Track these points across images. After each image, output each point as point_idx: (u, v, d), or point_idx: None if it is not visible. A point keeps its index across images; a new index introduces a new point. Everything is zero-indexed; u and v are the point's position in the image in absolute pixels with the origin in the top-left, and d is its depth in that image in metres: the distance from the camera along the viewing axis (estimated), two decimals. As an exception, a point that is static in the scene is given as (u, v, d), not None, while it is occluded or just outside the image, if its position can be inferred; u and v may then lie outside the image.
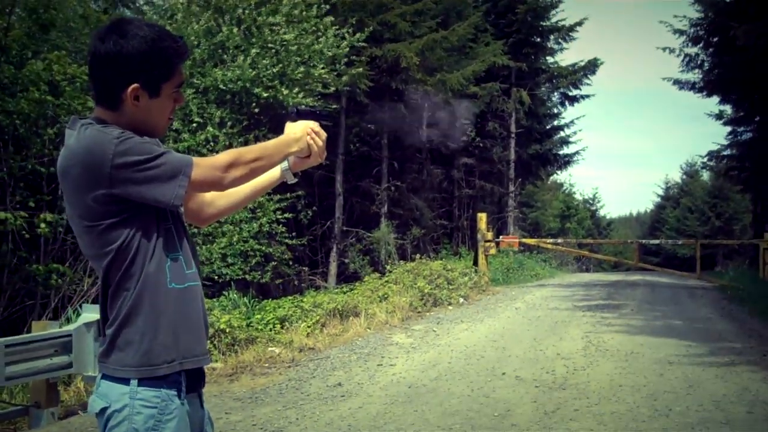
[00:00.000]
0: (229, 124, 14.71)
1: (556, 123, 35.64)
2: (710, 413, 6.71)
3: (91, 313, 6.33)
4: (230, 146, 14.69)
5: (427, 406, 7.08)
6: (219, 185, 2.33)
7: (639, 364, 9.00)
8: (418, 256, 18.70)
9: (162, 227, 2.30)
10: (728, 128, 30.21)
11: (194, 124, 14.03)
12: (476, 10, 26.33)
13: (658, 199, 66.14)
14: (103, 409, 2.26)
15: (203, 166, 2.26)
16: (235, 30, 15.13)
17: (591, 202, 60.46)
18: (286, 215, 15.68)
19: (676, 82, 28.55)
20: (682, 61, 27.34)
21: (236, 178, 2.32)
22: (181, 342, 2.29)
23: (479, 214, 21.86)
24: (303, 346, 10.22)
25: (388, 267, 17.97)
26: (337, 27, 16.34)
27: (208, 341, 2.40)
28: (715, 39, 25.92)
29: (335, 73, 16.63)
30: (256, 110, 15.18)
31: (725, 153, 31.47)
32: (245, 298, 12.71)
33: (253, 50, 14.82)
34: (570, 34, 31.57)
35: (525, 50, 30.19)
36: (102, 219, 2.23)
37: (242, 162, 2.31)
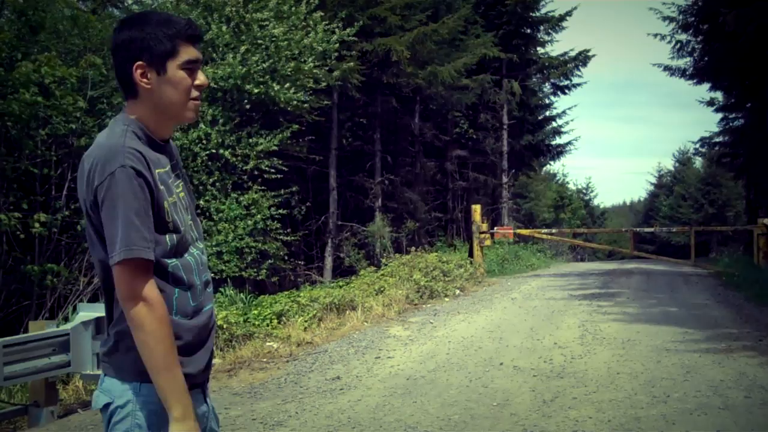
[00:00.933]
0: (221, 121, 14.71)
1: (548, 113, 35.74)
2: (708, 399, 6.73)
3: (88, 312, 6.33)
4: (222, 143, 14.69)
5: (425, 398, 7.09)
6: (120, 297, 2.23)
7: (636, 352, 9.02)
8: (413, 249, 18.74)
9: (169, 263, 2.31)
10: (720, 115, 30.31)
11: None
12: (466, 2, 26.30)
13: (652, 188, 66.44)
14: (107, 405, 2.28)
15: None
16: (224, 28, 15.11)
17: (584, 191, 60.60)
18: (280, 211, 15.68)
19: (667, 68, 28.59)
20: (673, 47, 27.39)
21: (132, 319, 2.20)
22: (188, 365, 2.32)
23: (473, 206, 21.90)
24: (300, 340, 10.22)
25: (383, 260, 17.98)
26: (326, 22, 16.32)
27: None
28: (705, 26, 25.93)
29: (326, 68, 16.62)
30: (248, 107, 15.17)
31: (717, 140, 31.57)
32: (242, 295, 12.72)
33: (243, 47, 14.81)
34: (560, 24, 31.59)
35: (515, 41, 30.18)
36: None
37: (160, 344, 2.18)
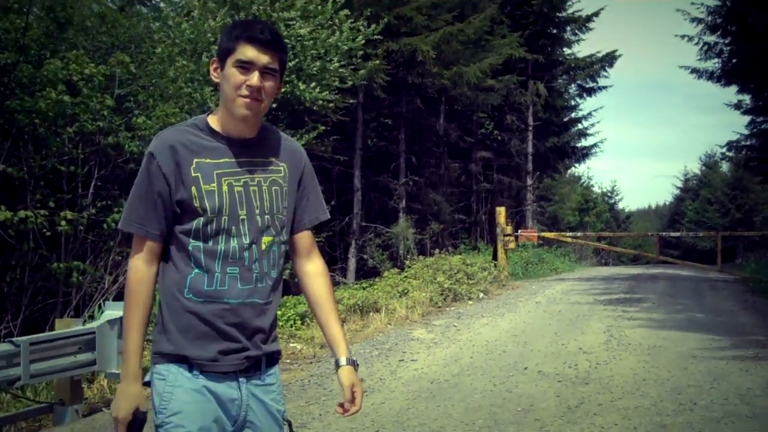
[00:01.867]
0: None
1: (573, 115, 35.54)
2: (735, 407, 6.65)
3: (113, 311, 6.34)
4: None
5: (449, 402, 7.05)
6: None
7: (662, 358, 8.94)
8: (437, 250, 18.68)
9: (190, 243, 2.51)
10: (747, 118, 29.93)
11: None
12: (492, 2, 26.24)
13: (677, 191, 65.76)
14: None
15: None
16: (251, 26, 15.07)
17: (609, 194, 60.12)
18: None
19: (694, 71, 28.25)
20: (701, 49, 27.04)
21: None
22: (188, 347, 2.52)
23: (498, 208, 21.79)
24: (324, 342, 10.20)
25: (407, 262, 17.94)
26: (352, 21, 16.30)
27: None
28: (733, 27, 25.63)
29: (352, 68, 16.59)
30: (274, 105, 15.15)
31: (744, 143, 31.17)
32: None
33: (270, 46, 14.80)
34: (587, 24, 31.41)
35: (541, 42, 30.08)
36: None
37: (125, 304, 2.54)
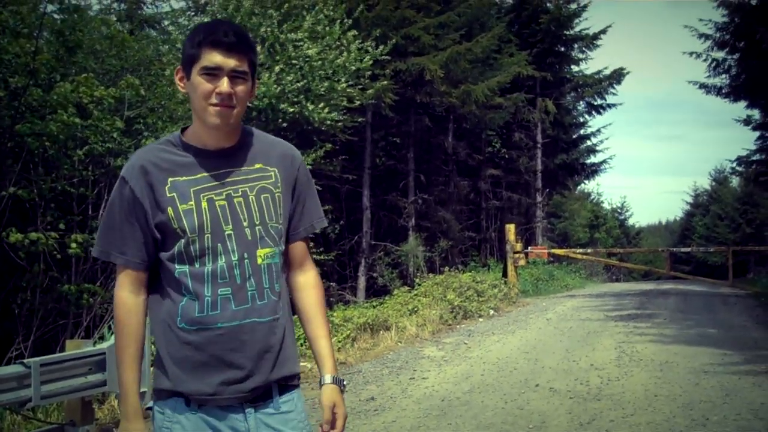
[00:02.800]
0: (256, 140, 14.71)
1: (582, 132, 35.57)
2: (748, 422, 6.61)
3: (123, 332, 6.35)
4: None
5: (461, 419, 7.03)
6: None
7: (674, 374, 8.90)
8: (446, 268, 18.65)
9: (176, 269, 2.38)
10: (757, 133, 29.86)
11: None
12: (499, 21, 26.36)
13: (687, 207, 65.58)
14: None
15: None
16: (259, 48, 15.19)
17: (619, 211, 60.07)
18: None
19: (702, 86, 28.20)
20: (709, 65, 27.01)
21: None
22: (186, 382, 2.40)
23: (508, 226, 21.77)
24: (336, 359, 10.18)
25: (417, 280, 17.94)
26: (360, 41, 16.38)
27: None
28: (741, 43, 25.63)
29: (360, 88, 16.65)
30: (284, 125, 15.23)
31: (754, 158, 31.06)
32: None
33: (278, 67, 14.86)
34: (594, 42, 31.47)
35: (549, 60, 30.16)
36: None
37: (116, 340, 2.43)
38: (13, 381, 5.38)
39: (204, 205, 2.36)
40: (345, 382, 2.62)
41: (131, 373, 2.38)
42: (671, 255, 25.44)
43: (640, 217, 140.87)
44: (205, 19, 15.19)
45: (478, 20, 24.77)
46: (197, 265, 2.35)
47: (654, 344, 11.22)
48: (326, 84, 15.33)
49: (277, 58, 15.19)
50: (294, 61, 15.23)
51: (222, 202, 2.38)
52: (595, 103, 33.51)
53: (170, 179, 2.36)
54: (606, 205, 57.97)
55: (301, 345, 10.85)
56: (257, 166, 2.46)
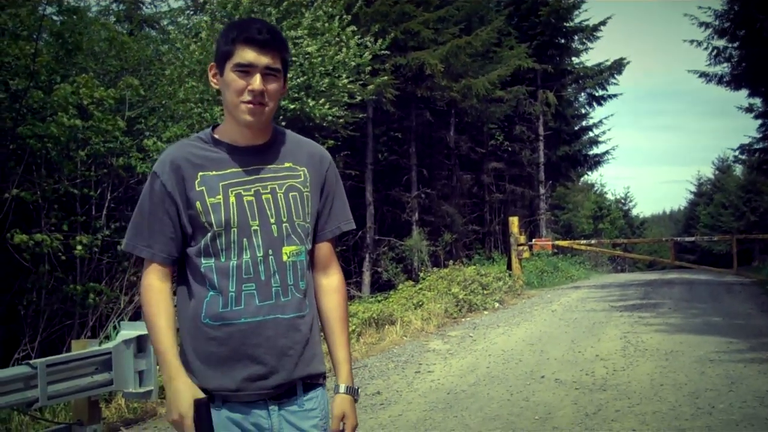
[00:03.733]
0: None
1: (584, 123, 35.52)
2: (754, 410, 6.61)
3: (129, 330, 6.36)
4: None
5: (467, 412, 7.05)
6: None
7: (679, 363, 8.90)
8: (451, 262, 18.66)
9: (202, 263, 2.40)
10: (759, 121, 29.82)
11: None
12: (499, 14, 26.34)
13: (691, 196, 65.65)
14: None
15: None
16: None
17: (623, 201, 60.02)
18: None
19: (703, 75, 28.15)
20: (710, 54, 26.97)
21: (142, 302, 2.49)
22: (211, 378, 2.40)
23: (511, 218, 21.76)
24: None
25: (421, 274, 17.95)
26: (359, 36, 16.37)
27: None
28: (742, 32, 25.58)
29: (360, 83, 16.65)
30: (284, 123, 15.24)
31: (757, 146, 31.03)
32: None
33: (278, 64, 14.87)
34: (594, 33, 31.42)
35: (550, 52, 30.10)
36: None
37: (146, 317, 2.43)
38: (20, 382, 5.40)
39: (232, 199, 2.38)
40: (358, 391, 2.63)
41: (167, 337, 2.37)
42: (675, 244, 25.41)
43: (644, 207, 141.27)
44: (205, 18, 15.21)
45: (477, 14, 24.77)
46: (223, 259, 2.37)
47: (659, 334, 11.23)
48: (327, 80, 15.34)
49: (277, 55, 15.19)
50: (294, 58, 15.24)
51: (250, 198, 2.40)
52: (597, 94, 33.48)
53: (200, 173, 2.39)
54: (609, 196, 57.97)
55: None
56: (287, 164, 2.48)
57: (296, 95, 14.86)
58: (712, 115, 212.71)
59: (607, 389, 7.71)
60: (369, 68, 16.68)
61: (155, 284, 2.41)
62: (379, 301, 14.78)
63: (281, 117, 14.98)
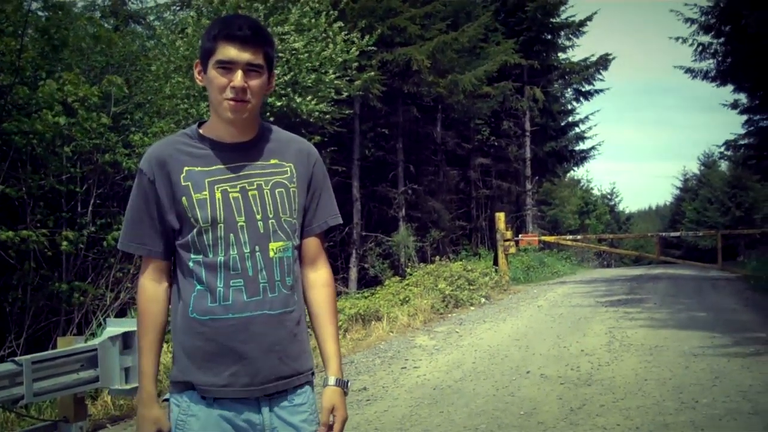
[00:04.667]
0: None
1: (570, 119, 35.64)
2: (737, 404, 6.67)
3: (115, 327, 6.36)
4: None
5: (452, 407, 7.07)
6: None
7: (664, 358, 8.96)
8: (437, 258, 18.68)
9: (190, 258, 2.42)
10: (744, 117, 29.96)
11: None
12: (486, 10, 26.34)
13: (677, 192, 65.79)
14: None
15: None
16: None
17: (609, 197, 60.32)
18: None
19: (689, 71, 28.25)
20: (695, 50, 27.08)
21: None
22: (196, 373, 2.41)
23: (497, 214, 21.78)
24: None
25: (408, 270, 17.97)
26: (346, 32, 16.35)
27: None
28: (727, 28, 25.68)
29: (347, 79, 16.64)
30: (271, 119, 15.22)
31: (742, 142, 31.20)
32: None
33: (265, 60, 14.84)
34: (580, 29, 31.55)
35: (536, 48, 30.17)
36: None
37: (138, 328, 2.47)
38: (5, 379, 5.40)
39: (218, 195, 2.38)
40: (348, 384, 2.63)
41: (148, 360, 2.43)
42: (661, 240, 25.52)
43: (630, 202, 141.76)
44: (191, 14, 15.17)
45: (464, 9, 24.79)
46: (210, 255, 2.37)
47: (644, 329, 11.29)
48: (313, 76, 15.32)
49: (264, 51, 15.17)
50: (281, 54, 15.23)
51: (236, 194, 2.40)
52: (583, 90, 33.57)
53: (186, 168, 2.40)
54: (596, 192, 58.19)
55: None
56: (273, 161, 2.48)
57: (283, 91, 14.84)
58: (699, 110, 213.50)
59: (592, 384, 7.75)
60: (356, 64, 16.67)
61: (149, 287, 2.45)
62: (365, 297, 14.78)
63: (268, 113, 14.96)
